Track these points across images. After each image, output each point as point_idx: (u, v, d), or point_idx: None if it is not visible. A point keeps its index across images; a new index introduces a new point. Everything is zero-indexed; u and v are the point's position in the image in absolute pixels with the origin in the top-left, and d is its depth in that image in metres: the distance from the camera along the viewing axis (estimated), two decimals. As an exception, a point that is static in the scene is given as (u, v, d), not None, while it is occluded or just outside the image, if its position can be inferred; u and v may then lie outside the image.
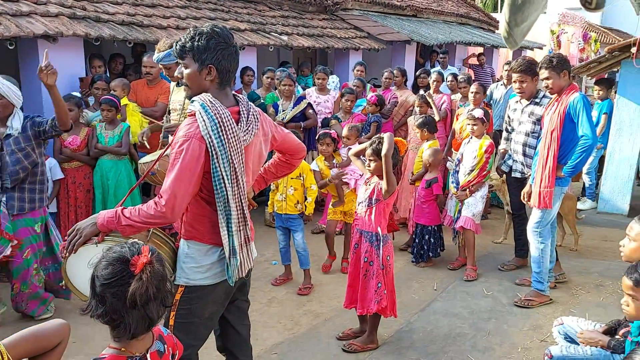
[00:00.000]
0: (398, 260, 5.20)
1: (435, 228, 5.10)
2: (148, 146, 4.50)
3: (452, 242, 5.17)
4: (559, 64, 4.06)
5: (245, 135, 2.20)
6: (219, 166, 2.11)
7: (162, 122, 4.58)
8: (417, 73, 8.01)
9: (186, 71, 2.21)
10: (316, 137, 5.08)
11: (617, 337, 2.62)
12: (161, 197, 2.06)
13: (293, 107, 6.19)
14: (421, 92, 6.32)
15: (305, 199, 4.51)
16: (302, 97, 6.39)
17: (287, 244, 4.64)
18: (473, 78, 9.00)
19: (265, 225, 5.97)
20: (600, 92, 6.88)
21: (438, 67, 9.84)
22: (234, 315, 2.54)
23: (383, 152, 3.27)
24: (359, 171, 4.50)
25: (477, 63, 11.20)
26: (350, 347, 3.59)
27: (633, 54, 5.86)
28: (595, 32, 16.60)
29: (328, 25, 9.32)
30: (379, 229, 3.45)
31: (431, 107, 6.12)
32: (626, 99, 6.46)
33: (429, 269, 5.05)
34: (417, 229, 5.18)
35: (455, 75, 7.33)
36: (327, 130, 4.94)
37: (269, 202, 4.67)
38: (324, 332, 3.87)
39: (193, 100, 2.18)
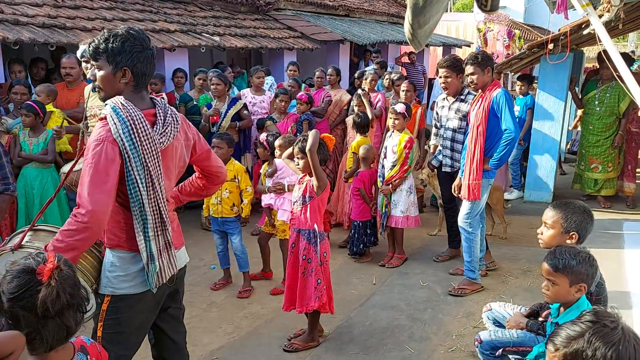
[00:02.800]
0: (337, 257, 5.28)
1: (367, 223, 5.19)
2: (63, 133, 4.37)
3: (381, 237, 5.29)
4: (483, 60, 4.25)
5: (162, 138, 2.17)
6: (132, 169, 2.07)
7: (81, 126, 4.41)
8: (356, 75, 8.09)
9: (99, 73, 2.16)
10: (253, 142, 5.03)
11: (540, 319, 2.79)
12: (79, 207, 1.98)
13: (228, 109, 6.13)
14: (359, 91, 6.42)
15: (242, 201, 4.48)
16: (237, 98, 6.33)
17: (225, 247, 4.59)
18: (405, 76, 9.25)
19: (203, 229, 5.89)
20: (522, 88, 7.24)
21: (372, 66, 10.03)
22: (167, 323, 2.49)
23: (307, 148, 3.32)
24: (291, 177, 4.52)
25: (409, 61, 11.49)
26: (291, 346, 3.61)
27: (546, 51, 6.20)
28: (519, 29, 17.37)
29: (261, 26, 9.30)
30: (315, 225, 3.48)
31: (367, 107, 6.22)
32: (546, 93, 6.82)
33: (367, 264, 5.15)
34: (351, 224, 5.29)
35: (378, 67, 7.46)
36: (262, 140, 4.91)
37: (204, 206, 4.61)
38: (265, 333, 3.87)
39: (106, 104, 2.13)
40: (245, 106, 6.26)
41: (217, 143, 4.38)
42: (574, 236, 2.68)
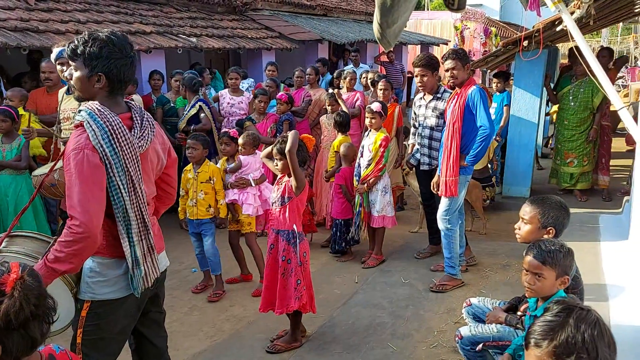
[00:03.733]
0: (320, 257, 5.29)
1: (349, 221, 5.21)
2: (34, 135, 4.31)
3: (360, 236, 5.29)
4: (464, 56, 4.30)
5: (140, 142, 2.16)
6: (114, 175, 2.05)
7: (53, 130, 4.33)
8: (335, 74, 8.11)
9: (75, 74, 2.14)
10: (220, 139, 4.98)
11: (518, 313, 2.82)
12: (71, 218, 1.96)
13: (189, 110, 6.07)
14: (330, 90, 6.43)
15: (217, 202, 4.46)
16: (201, 100, 6.22)
17: (203, 249, 4.56)
18: (384, 74, 9.29)
19: (183, 229, 5.82)
20: (498, 85, 7.33)
21: (351, 65, 10.06)
22: (148, 328, 2.48)
23: (286, 149, 3.31)
24: (255, 173, 4.51)
25: (387, 60, 11.54)
26: (273, 347, 3.60)
27: (520, 48, 6.28)
28: (495, 27, 17.60)
29: (238, 26, 9.26)
30: (294, 226, 3.48)
31: (341, 106, 6.23)
32: (522, 90, 6.92)
33: (349, 263, 5.16)
34: (333, 223, 5.30)
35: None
36: (226, 130, 4.89)
37: (179, 209, 4.55)
38: (248, 335, 3.86)
39: (80, 111, 2.10)
40: (201, 109, 6.08)
41: (193, 144, 4.36)
42: (551, 231, 2.71)
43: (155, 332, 2.52)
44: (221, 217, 4.51)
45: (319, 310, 4.08)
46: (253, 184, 4.47)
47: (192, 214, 4.43)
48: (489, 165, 6.42)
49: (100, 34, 2.11)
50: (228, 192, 4.50)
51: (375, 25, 2.65)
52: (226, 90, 6.78)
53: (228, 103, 6.58)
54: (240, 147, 4.47)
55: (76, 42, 2.12)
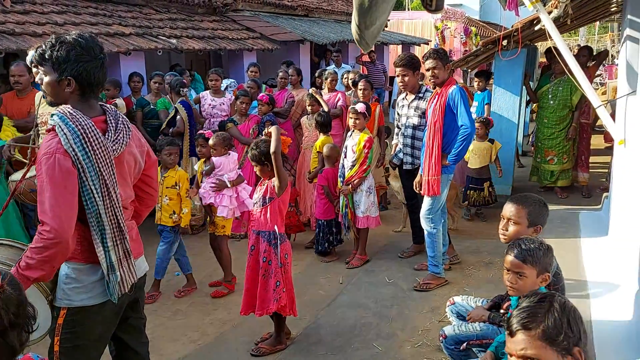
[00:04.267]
0: (304, 258, 5.28)
1: (332, 222, 5.21)
2: (20, 157, 4.18)
3: (345, 237, 5.30)
4: (444, 56, 4.33)
5: (114, 145, 2.12)
6: (87, 180, 2.02)
7: (32, 133, 4.25)
8: (317, 73, 8.10)
9: (45, 79, 2.10)
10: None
11: (501, 310, 2.84)
12: (42, 223, 1.93)
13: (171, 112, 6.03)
14: (310, 90, 6.42)
15: (182, 209, 4.41)
16: (181, 102, 6.13)
17: (179, 251, 4.51)
18: (366, 74, 9.31)
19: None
20: (480, 84, 7.39)
21: (332, 66, 10.06)
22: (128, 334, 2.44)
23: (271, 150, 3.29)
24: (230, 174, 4.48)
25: (369, 60, 11.58)
26: (258, 350, 3.58)
27: (499, 47, 6.34)
28: (475, 26, 17.76)
29: (219, 27, 9.20)
30: (275, 227, 3.46)
31: (321, 105, 6.23)
32: (501, 89, 6.99)
33: (334, 264, 5.16)
34: (317, 223, 5.29)
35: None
36: (201, 131, 4.86)
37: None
38: (232, 339, 3.83)
39: (53, 114, 2.07)
40: (177, 111, 6.02)
41: (171, 150, 4.31)
42: (538, 229, 2.74)
43: (135, 338, 2.48)
44: (182, 226, 4.47)
45: (303, 312, 4.08)
46: (229, 185, 4.43)
47: (156, 219, 4.39)
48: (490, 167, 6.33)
49: (67, 37, 2.08)
50: (205, 195, 4.46)
51: (354, 27, 2.66)
52: (207, 91, 6.74)
53: (209, 105, 6.53)
54: (211, 149, 4.45)
55: (44, 46, 2.08)
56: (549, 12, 3.83)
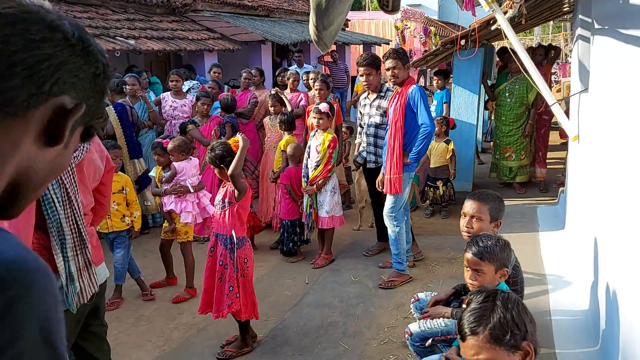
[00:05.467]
0: (270, 259, 5.25)
1: (296, 222, 5.21)
2: None
3: (308, 237, 5.30)
4: (404, 55, 4.38)
5: (75, 152, 2.07)
6: (48, 188, 1.96)
7: None
8: (277, 72, 8.09)
9: None
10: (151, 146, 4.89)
11: (463, 305, 2.88)
12: None
13: None
14: (272, 91, 6.41)
15: (132, 214, 4.33)
16: (116, 104, 5.99)
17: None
18: (328, 74, 9.34)
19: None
20: (439, 82, 7.51)
21: (294, 66, 10.05)
22: (89, 342, 2.38)
23: (229, 172, 3.28)
24: (192, 179, 4.44)
25: (331, 60, 11.62)
26: (224, 354, 3.54)
27: (457, 47, 6.47)
28: (434, 26, 18.04)
29: (179, 28, 9.07)
30: (233, 232, 3.43)
31: (285, 105, 6.23)
32: (460, 87, 7.13)
33: (299, 264, 5.15)
34: (281, 224, 5.29)
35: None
36: (159, 140, 4.78)
37: None
38: (198, 343, 3.78)
39: None
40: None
41: (115, 153, 4.20)
42: (499, 224, 2.80)
43: (96, 346, 2.43)
44: (135, 230, 4.39)
45: (270, 313, 4.06)
46: (192, 190, 4.37)
47: (104, 228, 4.20)
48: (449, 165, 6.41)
49: None
50: (166, 202, 4.38)
51: (312, 28, 2.66)
52: (168, 93, 6.63)
53: (170, 106, 6.43)
54: (169, 155, 4.38)
55: None
56: (505, 12, 3.93)
